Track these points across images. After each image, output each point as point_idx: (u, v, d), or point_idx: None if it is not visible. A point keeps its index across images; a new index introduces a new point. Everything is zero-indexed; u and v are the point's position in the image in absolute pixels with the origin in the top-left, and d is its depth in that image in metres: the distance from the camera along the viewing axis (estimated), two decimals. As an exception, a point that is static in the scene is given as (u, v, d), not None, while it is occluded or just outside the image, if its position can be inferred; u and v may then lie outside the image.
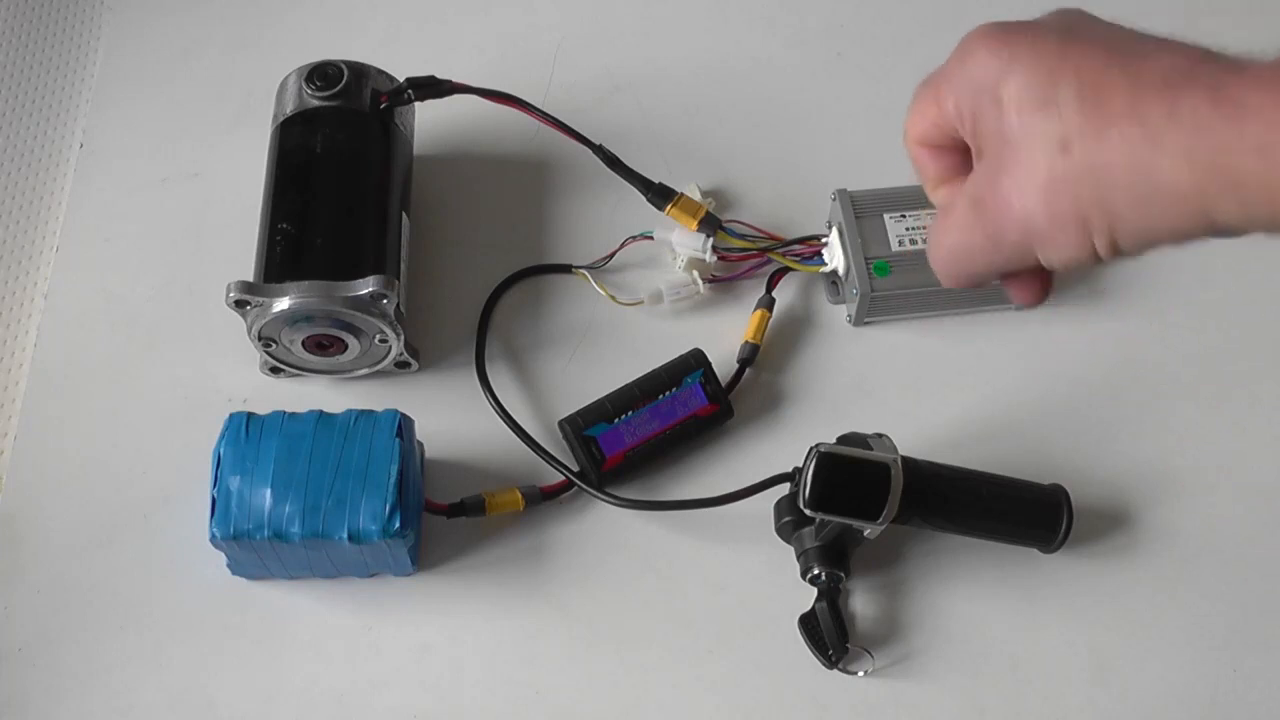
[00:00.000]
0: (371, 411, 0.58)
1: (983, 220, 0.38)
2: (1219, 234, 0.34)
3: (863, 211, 0.67)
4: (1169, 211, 0.33)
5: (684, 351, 0.64)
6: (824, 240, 0.68)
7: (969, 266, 0.41)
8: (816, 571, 0.58)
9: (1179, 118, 0.32)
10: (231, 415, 0.58)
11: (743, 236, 0.69)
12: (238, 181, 0.71)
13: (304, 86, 0.66)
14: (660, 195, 0.68)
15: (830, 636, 0.57)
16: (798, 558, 0.59)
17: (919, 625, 0.60)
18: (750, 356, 0.66)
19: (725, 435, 0.65)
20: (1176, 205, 0.33)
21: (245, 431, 0.57)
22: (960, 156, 0.42)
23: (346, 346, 0.63)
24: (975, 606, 0.60)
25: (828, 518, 0.55)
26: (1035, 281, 0.42)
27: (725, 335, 0.67)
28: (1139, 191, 0.33)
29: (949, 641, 0.59)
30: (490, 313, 0.69)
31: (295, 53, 0.69)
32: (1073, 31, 0.36)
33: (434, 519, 0.61)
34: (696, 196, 0.70)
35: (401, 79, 0.67)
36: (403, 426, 0.58)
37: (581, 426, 0.62)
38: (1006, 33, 0.37)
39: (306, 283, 0.60)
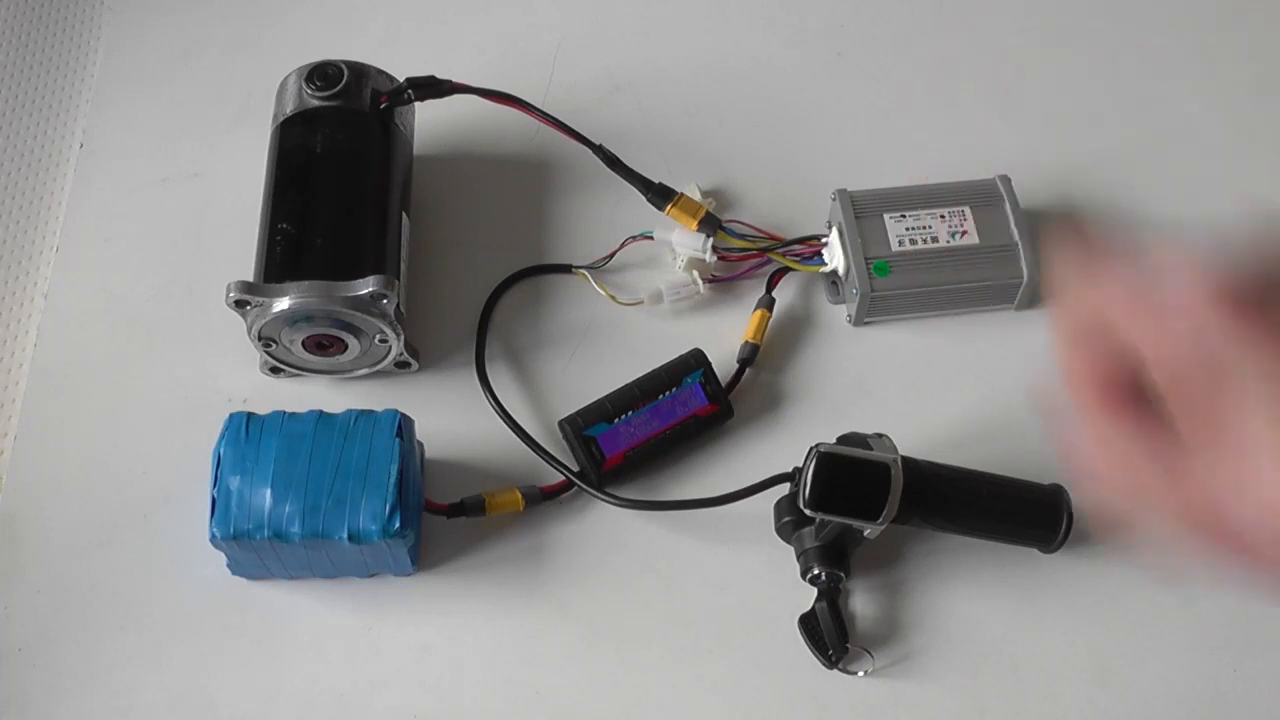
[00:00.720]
0: (371, 411, 0.58)
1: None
2: None
3: (863, 211, 0.67)
4: None
5: (684, 351, 0.64)
6: (824, 240, 0.68)
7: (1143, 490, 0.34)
8: (816, 571, 0.58)
9: None
10: (231, 415, 0.58)
11: (743, 236, 0.69)
12: (238, 181, 0.71)
13: (304, 86, 0.66)
14: (660, 195, 0.68)
15: (830, 636, 0.57)
16: (798, 558, 0.59)
17: (919, 625, 0.60)
18: (750, 356, 0.66)
19: (725, 435, 0.65)
20: None
21: (245, 431, 0.57)
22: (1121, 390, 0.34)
23: (346, 346, 0.63)
24: (975, 606, 0.60)
25: (828, 518, 0.55)
26: None
27: (725, 335, 0.67)
28: None
29: (949, 641, 0.59)
30: (490, 313, 0.69)
31: (295, 53, 0.69)
32: None
33: (434, 519, 0.61)
34: (696, 196, 0.70)
35: (401, 79, 0.67)
36: (403, 426, 0.58)
37: (581, 426, 0.62)
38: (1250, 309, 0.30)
39: (306, 283, 0.60)
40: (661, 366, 0.64)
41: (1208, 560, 0.32)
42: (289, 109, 0.66)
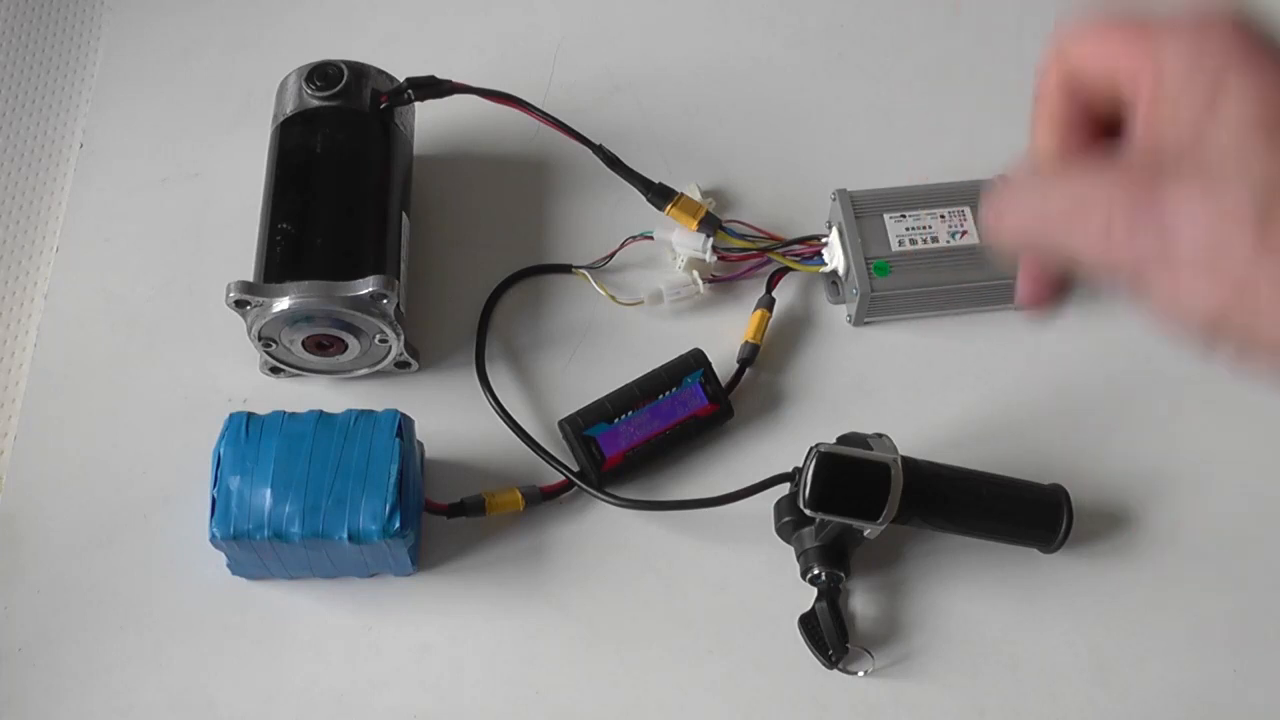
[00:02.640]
0: (371, 411, 0.58)
1: (1126, 214, 0.29)
2: None
3: (863, 211, 0.67)
4: None
5: (684, 351, 0.64)
6: (824, 240, 0.68)
7: (1051, 239, 0.31)
8: (816, 571, 0.58)
9: None
10: (231, 415, 0.58)
11: (743, 236, 0.69)
12: (238, 181, 0.71)
13: (304, 86, 0.66)
14: (660, 195, 0.68)
15: (830, 636, 0.57)
16: (798, 558, 0.59)
17: (919, 625, 0.60)
18: (750, 356, 0.66)
19: (725, 435, 0.65)
20: None
21: (245, 431, 0.57)
22: (1088, 130, 0.33)
23: (346, 346, 0.63)
24: (975, 606, 0.60)
25: (828, 518, 0.55)
26: (1060, 288, 0.35)
27: (725, 335, 0.67)
28: None
29: (949, 641, 0.59)
30: (490, 313, 0.69)
31: (295, 53, 0.69)
32: None
33: (434, 519, 0.61)
34: (696, 196, 0.70)
35: (401, 79, 0.67)
36: (403, 426, 0.58)
37: (581, 426, 0.62)
38: (1268, 44, 0.29)
39: (306, 283, 0.60)
40: (661, 366, 0.64)
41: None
42: (289, 109, 0.66)
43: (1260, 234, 0.26)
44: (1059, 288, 0.35)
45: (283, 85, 0.68)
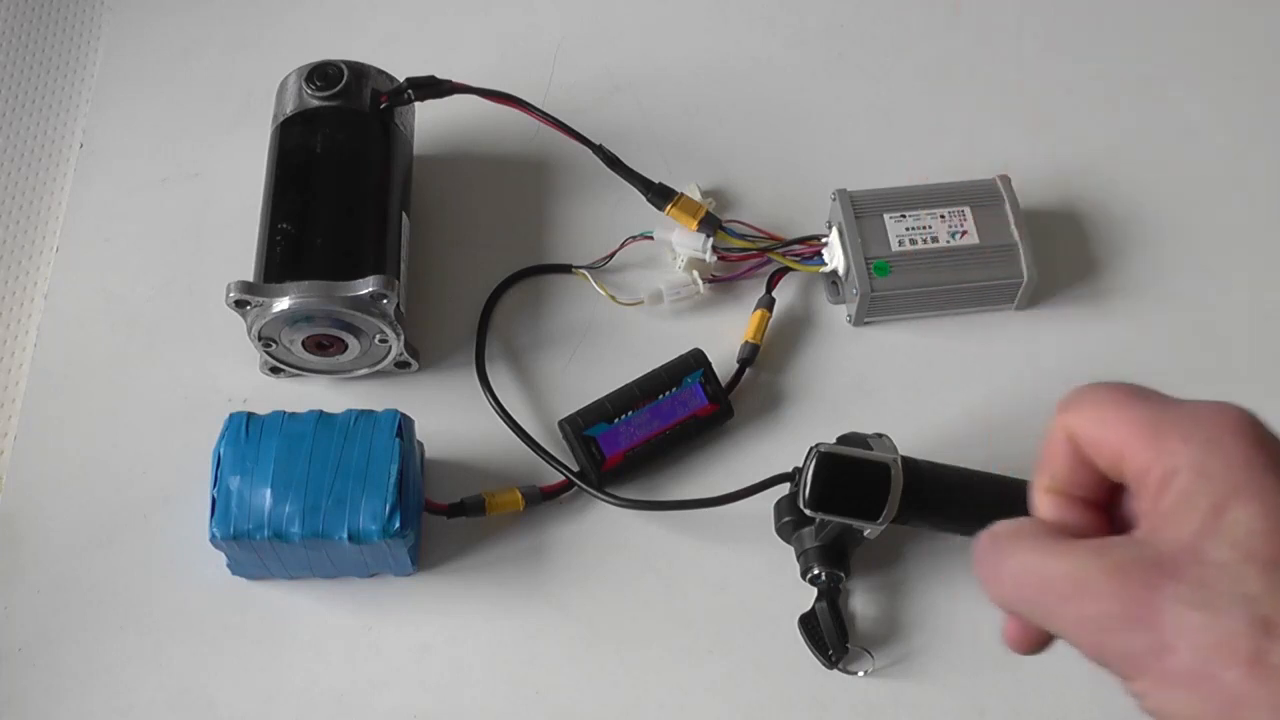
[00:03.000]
0: (371, 411, 0.58)
1: (1124, 611, 0.30)
2: None
3: (863, 211, 0.67)
4: None
5: (684, 351, 0.64)
6: (824, 240, 0.68)
7: (1044, 608, 0.32)
8: (816, 571, 0.58)
9: None
10: (231, 415, 0.58)
11: (743, 236, 0.69)
12: (238, 181, 0.71)
13: (304, 86, 0.66)
14: (660, 195, 0.68)
15: (830, 636, 0.57)
16: (798, 558, 0.59)
17: (919, 625, 0.60)
18: (750, 356, 0.66)
19: (725, 435, 0.65)
20: None
21: (245, 431, 0.57)
22: (1092, 509, 0.34)
23: (346, 346, 0.63)
24: (975, 606, 0.60)
25: (828, 518, 0.55)
26: (1046, 640, 0.36)
27: (725, 335, 0.67)
28: None
29: (949, 641, 0.59)
30: (490, 313, 0.69)
31: (295, 53, 0.69)
32: None
33: (434, 519, 0.61)
34: (696, 196, 0.70)
35: (401, 79, 0.67)
36: (403, 426, 0.58)
37: (581, 426, 0.62)
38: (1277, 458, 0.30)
39: (306, 283, 0.60)
40: (661, 366, 0.64)
41: None
42: (289, 109, 0.66)
43: (1253, 660, 0.27)
44: (1045, 640, 0.36)
45: (283, 85, 0.68)
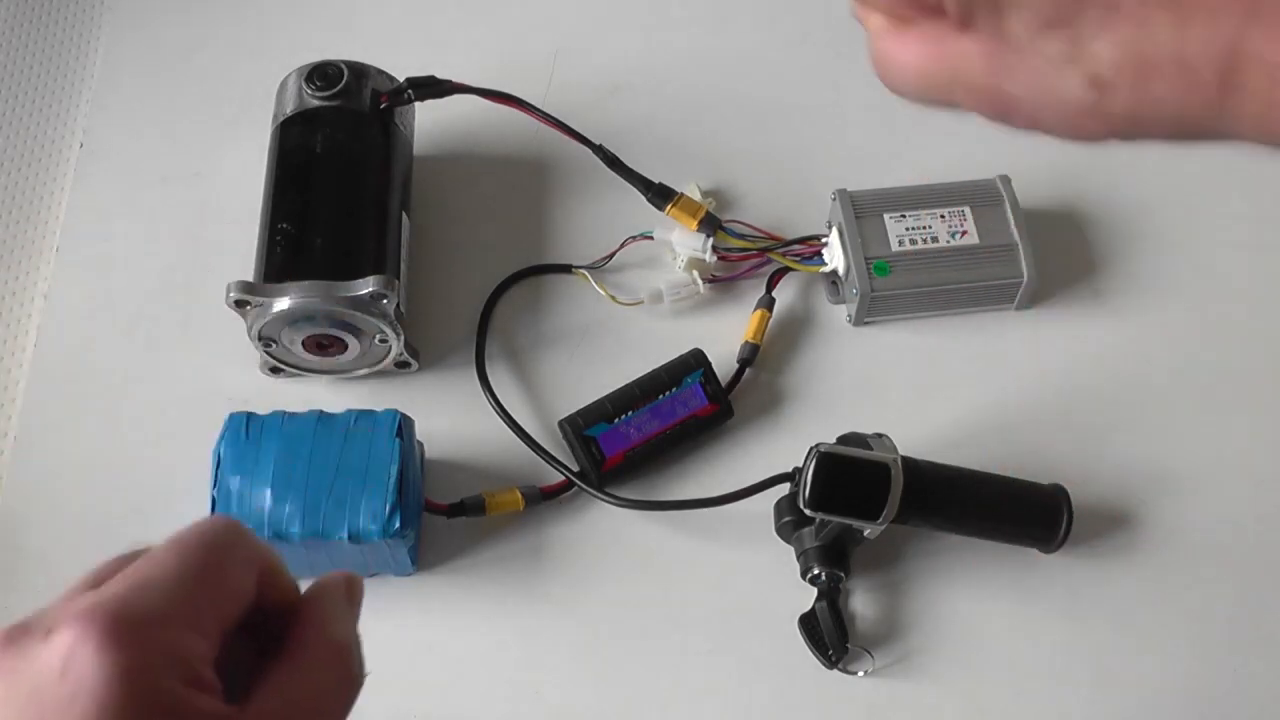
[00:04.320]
0: (371, 411, 0.58)
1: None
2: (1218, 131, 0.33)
3: (863, 211, 0.67)
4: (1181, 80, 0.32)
5: (684, 351, 0.64)
6: (824, 240, 0.68)
7: (944, 90, 0.37)
8: (816, 571, 0.58)
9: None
10: (231, 415, 0.58)
11: (743, 236, 0.69)
12: (238, 181, 0.71)
13: (304, 86, 0.66)
14: (660, 195, 0.68)
15: (830, 636, 0.57)
16: (798, 558, 0.59)
17: (919, 625, 0.60)
18: (750, 356, 0.66)
19: (725, 435, 0.65)
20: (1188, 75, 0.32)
21: (245, 431, 0.57)
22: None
23: (346, 346, 0.63)
24: (975, 606, 0.60)
25: (828, 518, 0.55)
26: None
27: (725, 335, 0.67)
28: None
29: (949, 641, 0.59)
30: (490, 313, 0.69)
31: (295, 53, 0.69)
32: None
33: (434, 519, 0.61)
34: (696, 196, 0.70)
35: (401, 79, 0.67)
36: (403, 426, 0.58)
37: (581, 426, 0.62)
38: None
39: (306, 283, 0.60)
40: (661, 366, 0.64)
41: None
42: (289, 109, 0.66)
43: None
44: None
45: (283, 85, 0.68)
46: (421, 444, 0.62)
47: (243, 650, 0.30)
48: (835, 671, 0.58)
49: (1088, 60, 0.32)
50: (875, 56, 0.40)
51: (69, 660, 0.26)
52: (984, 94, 0.35)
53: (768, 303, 0.67)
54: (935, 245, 0.66)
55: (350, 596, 0.33)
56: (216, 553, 0.30)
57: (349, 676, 0.31)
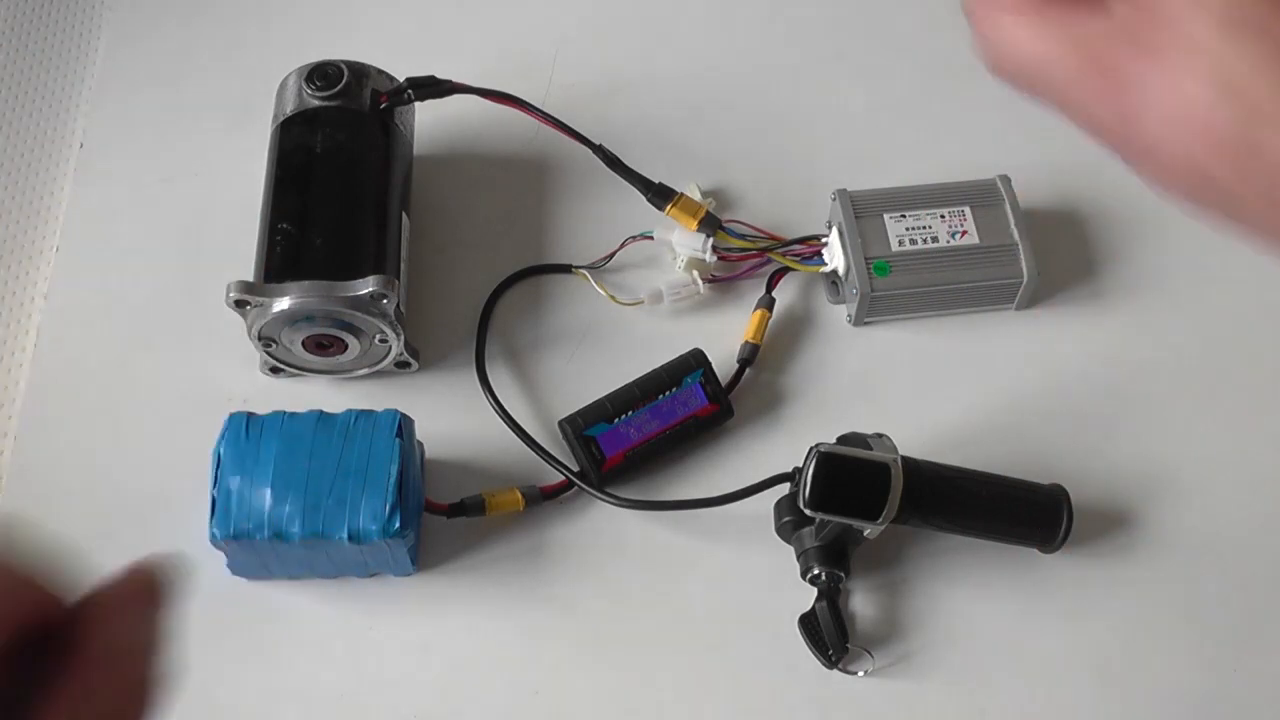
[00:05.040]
0: (371, 411, 0.58)
1: (1101, 74, 0.31)
2: None
3: (863, 211, 0.67)
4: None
5: (684, 351, 0.64)
6: (824, 240, 0.68)
7: (1040, 83, 0.35)
8: (816, 571, 0.58)
9: None
10: (231, 415, 0.58)
11: (743, 236, 0.69)
12: (238, 181, 0.71)
13: (304, 86, 0.66)
14: (660, 195, 0.68)
15: (830, 636, 0.57)
16: (798, 558, 0.59)
17: (919, 625, 0.60)
18: (750, 356, 0.66)
19: (725, 435, 0.65)
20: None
21: (245, 431, 0.57)
22: None
23: (346, 346, 0.63)
24: (975, 606, 0.60)
25: (828, 518, 0.55)
26: None
27: (725, 335, 0.67)
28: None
29: (949, 641, 0.59)
30: (490, 313, 0.69)
31: (295, 53, 0.69)
32: None
33: (434, 519, 0.61)
34: (696, 196, 0.70)
35: (401, 79, 0.67)
36: (403, 426, 0.58)
37: (581, 426, 0.62)
38: None
39: (306, 283, 0.60)
40: (661, 366, 0.64)
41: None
42: (289, 109, 0.66)
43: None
44: None
45: (283, 85, 0.68)
46: (421, 444, 0.62)
47: (25, 674, 0.27)
48: (835, 671, 0.58)
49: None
50: (983, 29, 0.35)
51: None
52: (1103, 95, 0.31)
53: (768, 303, 0.67)
54: (935, 245, 0.66)
55: (144, 595, 0.30)
56: None
57: (139, 682, 0.29)
